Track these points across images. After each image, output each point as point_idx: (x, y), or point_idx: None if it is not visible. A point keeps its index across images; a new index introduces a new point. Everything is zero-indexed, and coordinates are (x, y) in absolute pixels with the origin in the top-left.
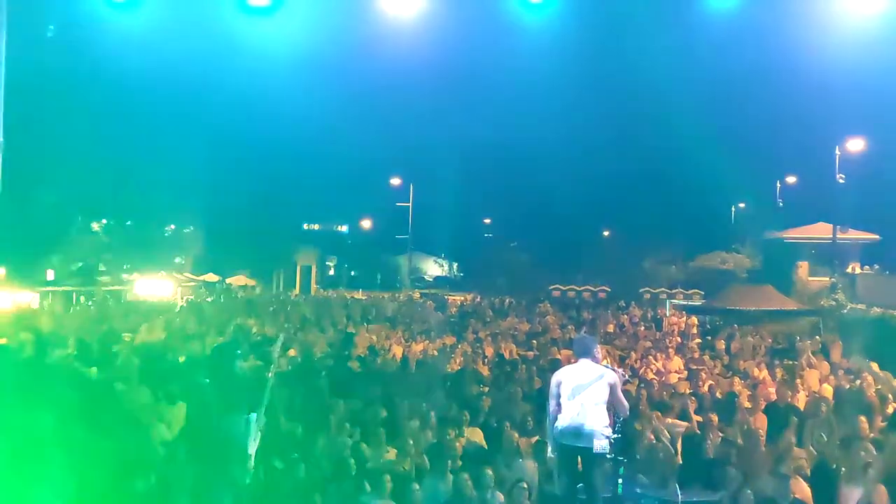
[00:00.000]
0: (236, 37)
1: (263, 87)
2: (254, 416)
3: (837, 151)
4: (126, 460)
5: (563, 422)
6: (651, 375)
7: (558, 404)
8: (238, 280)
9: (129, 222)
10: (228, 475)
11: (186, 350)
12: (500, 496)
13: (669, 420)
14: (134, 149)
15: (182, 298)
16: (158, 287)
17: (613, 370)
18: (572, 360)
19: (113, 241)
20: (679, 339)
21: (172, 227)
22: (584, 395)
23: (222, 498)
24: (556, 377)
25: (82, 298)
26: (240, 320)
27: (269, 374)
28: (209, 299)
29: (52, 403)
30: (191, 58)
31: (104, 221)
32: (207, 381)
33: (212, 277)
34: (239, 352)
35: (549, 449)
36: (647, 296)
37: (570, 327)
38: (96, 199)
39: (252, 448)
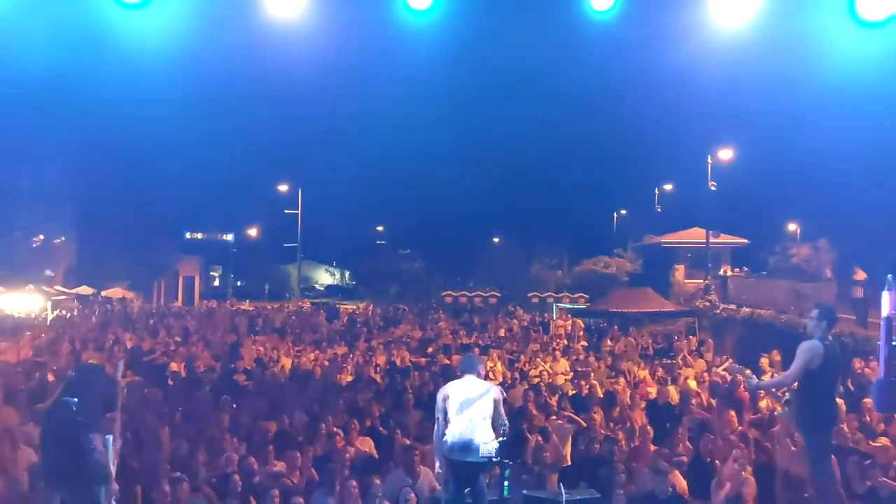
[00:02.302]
0: (109, 34)
1: (139, 88)
2: (110, 437)
3: (709, 160)
4: None
5: (451, 436)
6: (538, 378)
7: (446, 419)
8: (115, 292)
9: None
10: (91, 499)
11: (55, 368)
12: None
13: (557, 420)
14: None
15: (52, 313)
16: (26, 302)
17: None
18: (457, 375)
19: None
20: (565, 342)
21: (41, 237)
22: (472, 409)
23: None
24: (443, 392)
25: None
26: (116, 335)
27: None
28: (84, 313)
29: None
30: (59, 55)
31: None
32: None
33: (86, 290)
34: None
35: (438, 465)
36: (535, 300)
37: (461, 333)
38: None
39: (112, 469)
